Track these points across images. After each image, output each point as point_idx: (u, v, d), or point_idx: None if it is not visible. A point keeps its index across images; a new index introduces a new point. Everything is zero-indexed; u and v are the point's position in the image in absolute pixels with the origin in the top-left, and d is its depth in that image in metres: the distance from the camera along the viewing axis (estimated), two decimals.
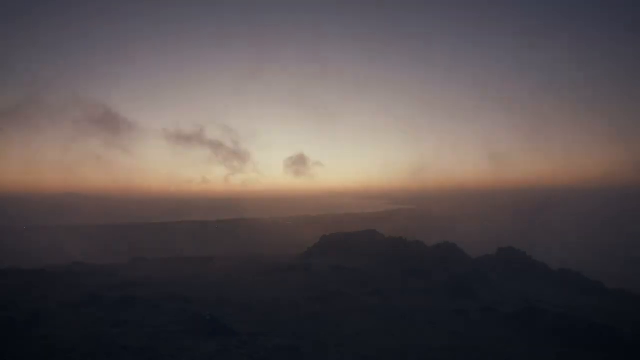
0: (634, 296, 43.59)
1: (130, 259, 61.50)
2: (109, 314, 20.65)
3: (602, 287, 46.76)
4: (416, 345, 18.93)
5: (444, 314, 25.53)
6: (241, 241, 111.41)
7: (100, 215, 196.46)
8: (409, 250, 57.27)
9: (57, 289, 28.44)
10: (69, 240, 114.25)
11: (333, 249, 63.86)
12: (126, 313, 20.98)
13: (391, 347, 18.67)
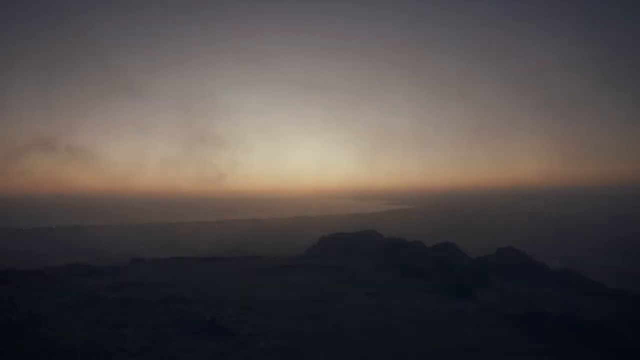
0: (635, 296, 43.59)
1: (130, 259, 61.46)
2: (107, 316, 20.62)
3: (603, 287, 46.83)
4: (416, 346, 18.90)
5: (443, 315, 25.50)
6: (241, 241, 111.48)
7: (99, 216, 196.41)
8: (408, 250, 57.26)
9: (55, 291, 28.39)
10: (68, 241, 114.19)
11: (333, 249, 63.90)
12: (125, 314, 20.95)
13: (391, 347, 18.65)
